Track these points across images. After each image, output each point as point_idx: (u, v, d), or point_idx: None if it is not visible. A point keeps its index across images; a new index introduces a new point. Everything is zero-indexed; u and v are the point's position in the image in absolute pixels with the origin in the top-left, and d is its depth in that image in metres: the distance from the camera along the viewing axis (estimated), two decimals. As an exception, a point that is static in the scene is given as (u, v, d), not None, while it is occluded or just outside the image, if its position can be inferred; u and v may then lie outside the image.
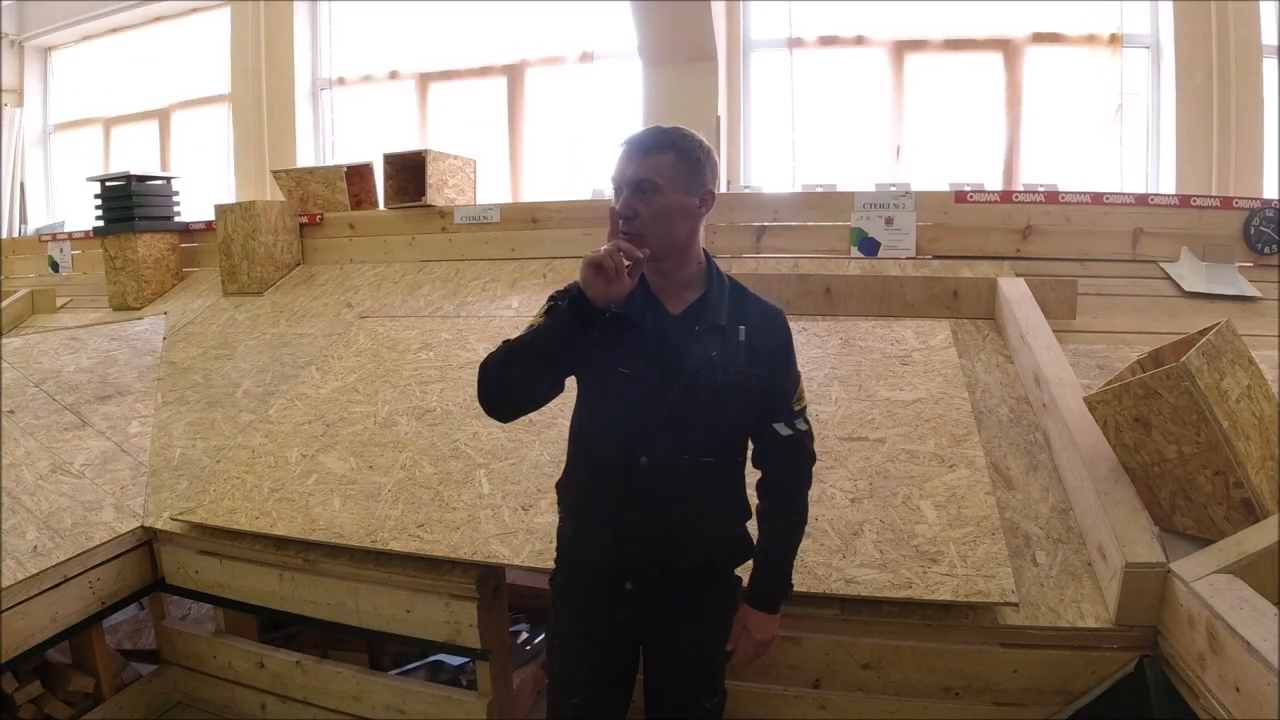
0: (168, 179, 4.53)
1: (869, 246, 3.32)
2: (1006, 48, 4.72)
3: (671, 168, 1.28)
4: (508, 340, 1.31)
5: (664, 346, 1.32)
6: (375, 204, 4.38)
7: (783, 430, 1.42)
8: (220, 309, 3.92)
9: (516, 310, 3.25)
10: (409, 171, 4.01)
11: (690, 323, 1.34)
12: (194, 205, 4.72)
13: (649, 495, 1.35)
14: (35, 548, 2.24)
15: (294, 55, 5.95)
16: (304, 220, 4.21)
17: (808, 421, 1.46)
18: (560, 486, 1.50)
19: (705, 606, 1.46)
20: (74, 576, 2.25)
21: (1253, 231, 3.14)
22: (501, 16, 5.52)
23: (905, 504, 1.95)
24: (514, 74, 5.58)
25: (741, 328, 1.36)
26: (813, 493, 1.99)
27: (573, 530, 1.46)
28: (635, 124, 4.70)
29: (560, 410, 1.47)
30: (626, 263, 1.18)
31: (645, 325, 1.32)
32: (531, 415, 1.44)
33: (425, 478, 2.30)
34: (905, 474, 2.05)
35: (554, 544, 1.52)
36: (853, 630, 1.77)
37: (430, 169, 3.89)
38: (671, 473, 1.34)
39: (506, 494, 2.18)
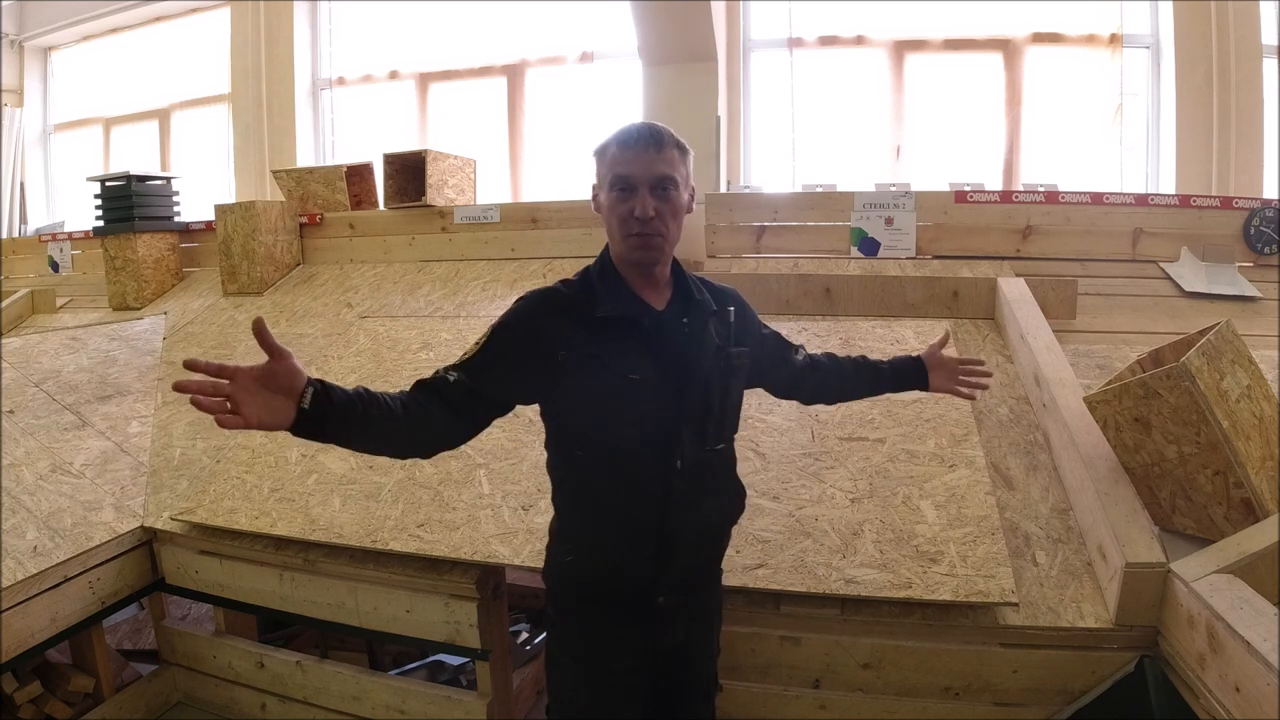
0: (168, 179, 4.53)
1: (869, 246, 3.32)
2: (1006, 48, 4.71)
3: (681, 163, 1.28)
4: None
5: (666, 344, 1.30)
6: (375, 204, 4.38)
7: (799, 356, 1.59)
8: (220, 309, 3.92)
9: (516, 310, 3.25)
10: (409, 171, 4.02)
11: (679, 315, 1.33)
12: (194, 205, 4.72)
13: (685, 495, 1.29)
14: (35, 548, 2.24)
15: (294, 55, 5.94)
16: (304, 220, 4.21)
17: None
18: (566, 518, 1.40)
19: (711, 605, 1.48)
20: (74, 576, 2.25)
21: (1253, 231, 3.13)
22: (501, 16, 5.51)
23: (905, 504, 1.95)
24: (514, 74, 5.57)
25: (731, 309, 1.37)
26: (813, 492, 2.01)
27: (599, 555, 1.34)
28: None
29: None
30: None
31: (644, 325, 1.29)
32: (532, 415, 1.42)
33: (425, 478, 2.30)
34: (905, 474, 2.05)
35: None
36: (853, 630, 1.77)
37: (430, 169, 3.89)
38: (701, 467, 1.31)
39: (506, 494, 2.18)
